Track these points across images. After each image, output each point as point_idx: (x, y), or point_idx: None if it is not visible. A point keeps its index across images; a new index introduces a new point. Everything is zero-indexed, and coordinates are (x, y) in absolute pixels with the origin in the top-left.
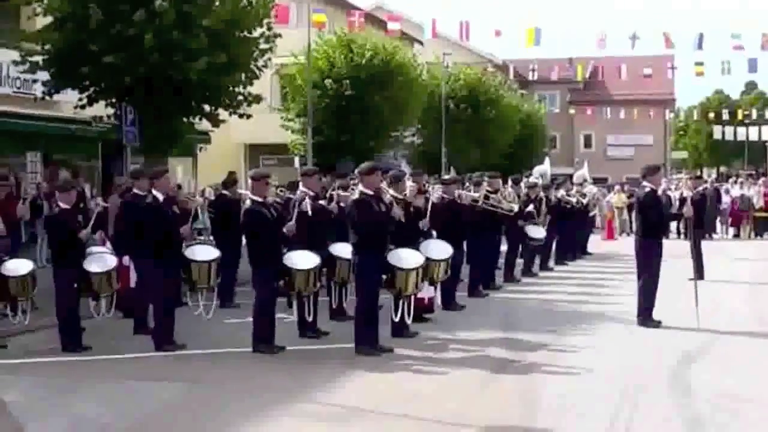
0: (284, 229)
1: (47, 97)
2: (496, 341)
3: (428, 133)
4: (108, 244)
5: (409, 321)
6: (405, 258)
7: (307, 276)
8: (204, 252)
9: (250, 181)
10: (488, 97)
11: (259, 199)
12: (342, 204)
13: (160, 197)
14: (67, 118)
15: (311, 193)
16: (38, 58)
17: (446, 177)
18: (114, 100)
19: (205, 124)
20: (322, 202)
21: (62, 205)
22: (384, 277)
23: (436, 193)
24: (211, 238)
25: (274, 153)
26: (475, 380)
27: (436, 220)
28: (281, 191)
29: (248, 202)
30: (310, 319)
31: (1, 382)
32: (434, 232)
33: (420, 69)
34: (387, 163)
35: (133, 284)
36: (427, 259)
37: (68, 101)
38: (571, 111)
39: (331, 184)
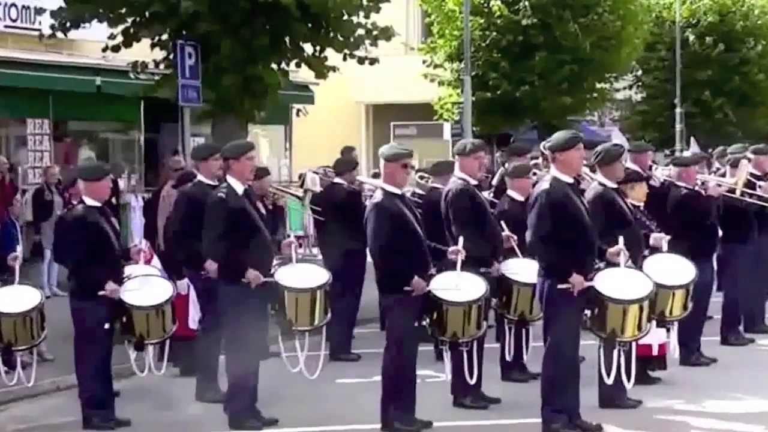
0: (449, 253)
1: (59, 35)
2: None
3: (654, 83)
4: (156, 260)
5: (628, 384)
6: (619, 283)
7: (466, 312)
8: (305, 274)
9: (382, 162)
10: (749, 25)
11: (395, 190)
12: (519, 197)
13: (239, 188)
14: (91, 67)
15: (472, 181)
16: None
17: (684, 154)
18: (164, 37)
19: (305, 74)
20: (486, 193)
21: (88, 201)
22: (588, 312)
23: (660, 173)
24: (315, 251)
25: (413, 118)
26: None
27: (668, 221)
28: (423, 178)
29: (378, 195)
30: (472, 379)
31: None
32: (664, 241)
33: None
34: (591, 133)
35: (193, 324)
36: (656, 284)
37: (92, 40)
38: None
39: (502, 164)
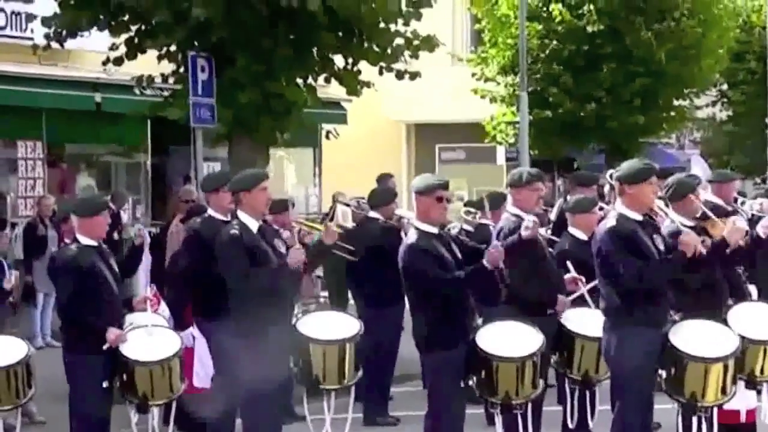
0: (485, 261)
1: (53, 46)
2: None
3: (742, 99)
4: (164, 307)
5: None
6: (700, 337)
7: (520, 368)
8: (333, 324)
9: (414, 195)
10: None
11: (431, 229)
12: (582, 235)
13: (253, 225)
14: (90, 82)
15: (531, 218)
16: None
17: None
18: (173, 48)
19: (336, 90)
20: (543, 230)
21: (82, 239)
22: (663, 373)
23: (749, 207)
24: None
25: (462, 140)
26: None
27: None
28: (470, 213)
29: (412, 234)
30: None
31: None
32: (752, 287)
33: None
34: (668, 157)
35: (199, 382)
36: (743, 338)
37: (91, 51)
38: None
39: (564, 194)
